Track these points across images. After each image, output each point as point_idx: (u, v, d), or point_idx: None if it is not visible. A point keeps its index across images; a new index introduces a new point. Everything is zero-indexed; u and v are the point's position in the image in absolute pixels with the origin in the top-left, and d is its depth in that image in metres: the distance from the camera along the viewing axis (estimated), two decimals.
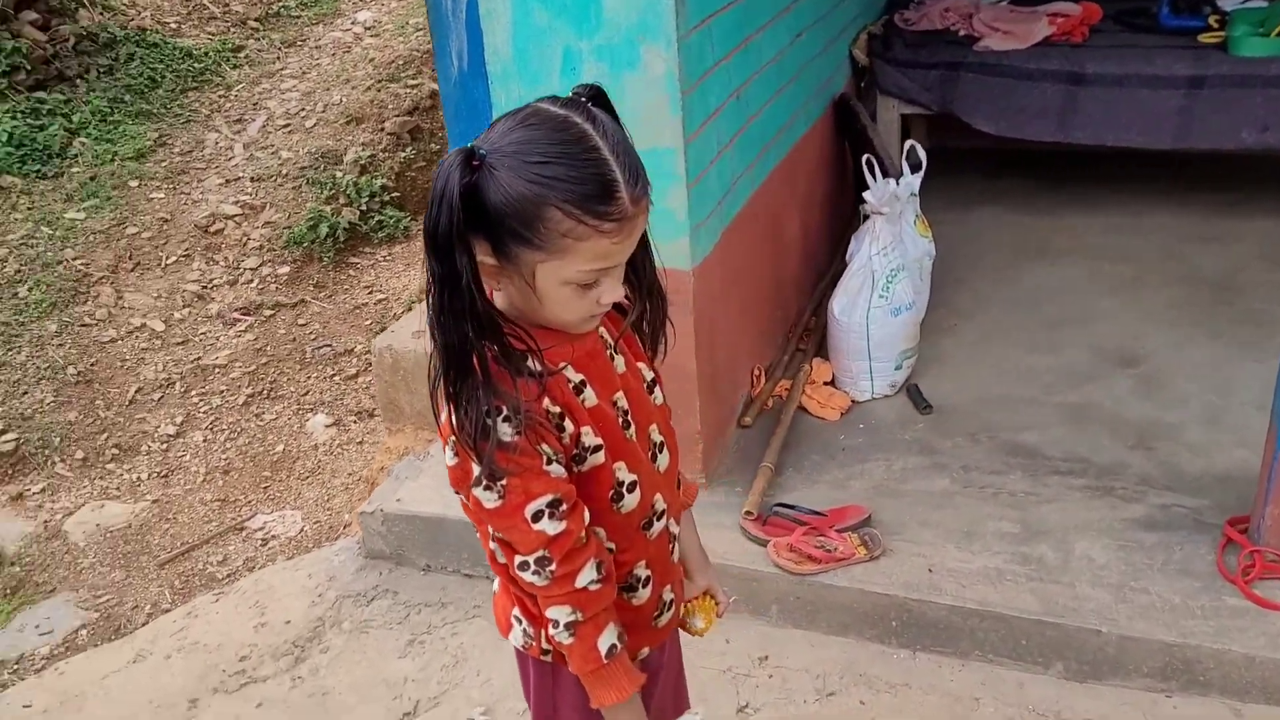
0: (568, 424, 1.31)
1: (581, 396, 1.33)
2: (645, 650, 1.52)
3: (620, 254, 1.24)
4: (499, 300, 1.32)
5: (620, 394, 1.40)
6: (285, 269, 4.62)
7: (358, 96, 5.70)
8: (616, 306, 1.44)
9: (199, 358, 4.17)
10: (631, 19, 2.31)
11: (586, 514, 1.33)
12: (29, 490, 3.62)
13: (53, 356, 4.14)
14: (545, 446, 1.28)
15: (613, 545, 1.40)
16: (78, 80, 5.74)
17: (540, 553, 1.29)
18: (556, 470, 1.29)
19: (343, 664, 2.58)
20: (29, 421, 3.87)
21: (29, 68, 5.56)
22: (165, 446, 3.76)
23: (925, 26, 4.19)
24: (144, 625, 2.89)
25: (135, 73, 5.89)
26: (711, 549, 1.88)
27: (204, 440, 3.77)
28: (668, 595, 1.52)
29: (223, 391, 3.99)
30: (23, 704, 2.60)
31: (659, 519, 1.46)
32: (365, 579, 2.84)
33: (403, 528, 2.80)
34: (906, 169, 3.38)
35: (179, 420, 3.87)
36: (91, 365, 4.13)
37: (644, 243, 1.39)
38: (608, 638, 1.34)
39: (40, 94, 5.55)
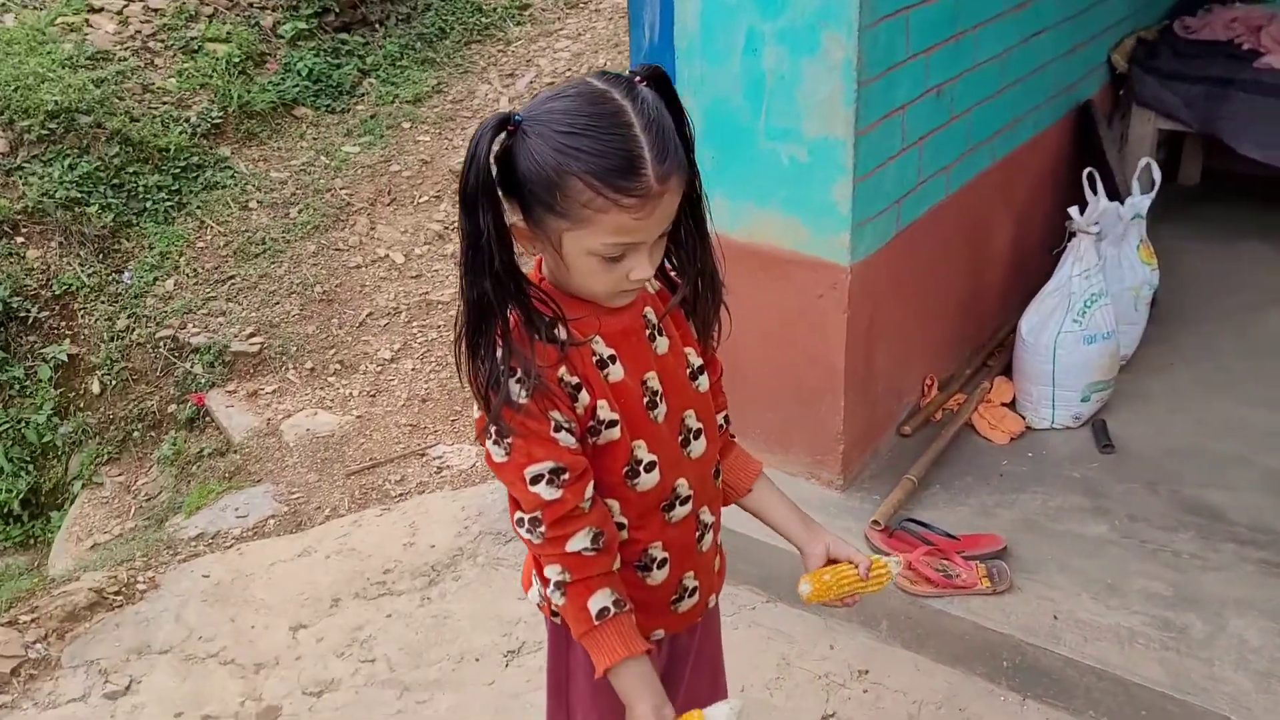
0: (584, 395, 1.33)
1: (605, 371, 1.35)
2: (660, 632, 1.53)
3: (644, 232, 1.24)
4: (544, 267, 1.37)
5: (653, 374, 1.41)
6: None
7: (622, 62, 5.88)
8: (670, 286, 1.45)
9: (426, 292, 4.48)
10: (815, 3, 2.27)
11: (590, 488, 1.35)
12: (263, 390, 4.05)
13: (306, 274, 4.58)
14: (556, 414, 1.31)
15: (625, 520, 1.42)
16: (378, 25, 6.25)
17: (535, 514, 1.33)
18: (565, 439, 1.32)
19: (468, 594, 2.74)
20: (275, 329, 4.31)
21: (338, 10, 6.11)
22: (379, 369, 4.09)
23: (1206, 36, 3.82)
24: (319, 525, 3.18)
25: (429, 23, 6.34)
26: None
27: (412, 368, 4.06)
28: (689, 582, 1.53)
29: (439, 326, 4.27)
30: (203, 573, 2.94)
31: (682, 504, 1.47)
32: (508, 520, 2.99)
33: None
34: (1136, 189, 3.12)
35: (396, 347, 4.19)
36: (336, 286, 4.54)
37: (698, 227, 1.39)
38: (599, 600, 1.36)
39: (344, 35, 6.09)
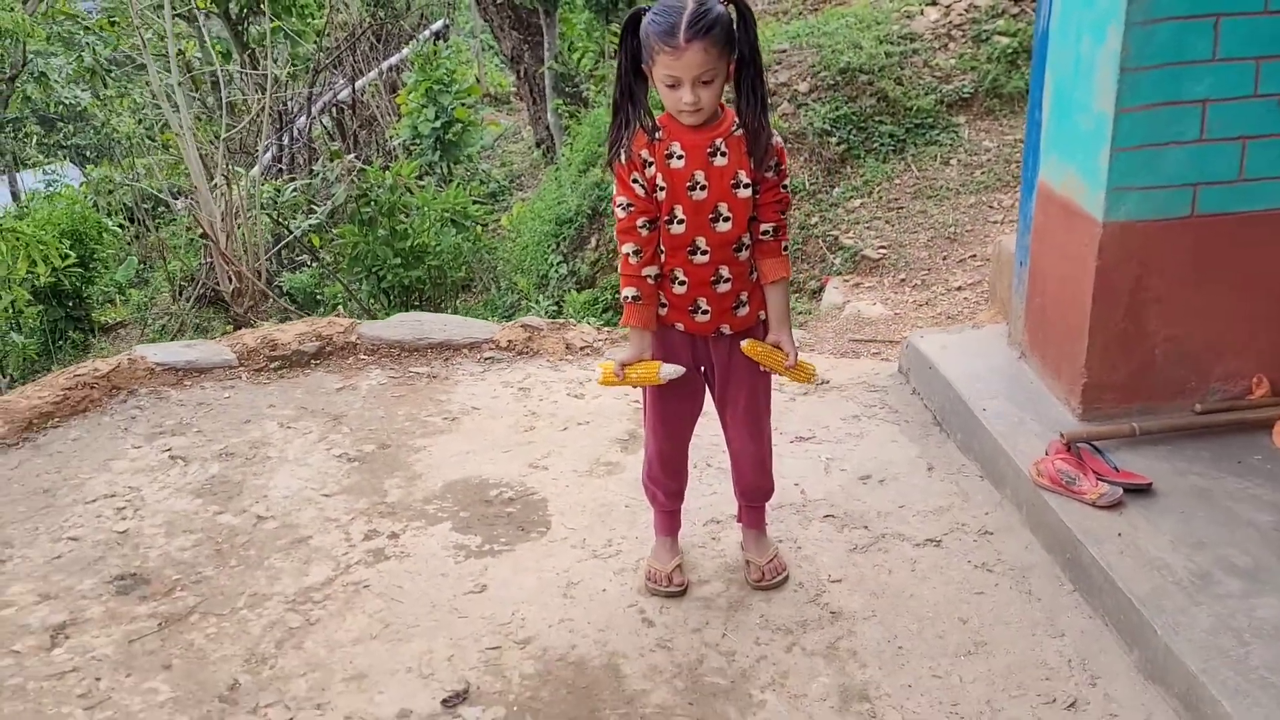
0: (651, 168, 2.54)
1: (670, 160, 2.53)
2: (680, 325, 2.65)
3: (680, 70, 2.36)
4: None
5: (701, 172, 2.52)
6: None
7: None
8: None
9: None
10: (1107, 2, 2.84)
11: (644, 219, 2.54)
12: (862, 284, 5.41)
13: (950, 218, 5.72)
14: (635, 174, 2.55)
15: (664, 248, 2.59)
16: None
17: (617, 215, 2.59)
18: (638, 188, 2.55)
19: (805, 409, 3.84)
20: (901, 249, 5.58)
21: None
22: (944, 292, 5.11)
23: None
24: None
25: None
26: (1016, 443, 2.99)
27: (965, 297, 5.00)
28: (702, 304, 2.60)
29: None
30: None
31: (702, 254, 2.55)
32: (893, 380, 3.94)
33: (913, 358, 3.81)
34: None
35: (967, 280, 5.14)
36: (965, 231, 5.61)
37: (756, 96, 2.47)
38: (629, 291, 2.57)
39: None
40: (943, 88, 6.57)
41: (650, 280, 2.59)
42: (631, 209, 2.56)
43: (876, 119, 6.39)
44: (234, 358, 4.24)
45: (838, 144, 6.29)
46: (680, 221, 2.56)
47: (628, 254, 2.58)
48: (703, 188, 2.53)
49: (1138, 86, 2.83)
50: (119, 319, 11.36)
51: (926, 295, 5.11)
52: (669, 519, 2.92)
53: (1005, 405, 3.29)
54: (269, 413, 3.91)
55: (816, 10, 8.74)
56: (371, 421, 3.85)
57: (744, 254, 2.60)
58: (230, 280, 5.97)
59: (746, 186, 2.54)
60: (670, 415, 2.79)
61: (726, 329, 2.66)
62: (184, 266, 10.47)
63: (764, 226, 2.59)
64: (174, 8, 8.14)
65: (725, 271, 2.59)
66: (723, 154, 2.53)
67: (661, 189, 2.54)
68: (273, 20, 11.76)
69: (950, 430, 3.50)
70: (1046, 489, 2.88)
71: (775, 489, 2.92)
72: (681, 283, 2.61)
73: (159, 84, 6.39)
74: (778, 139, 2.57)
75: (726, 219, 2.55)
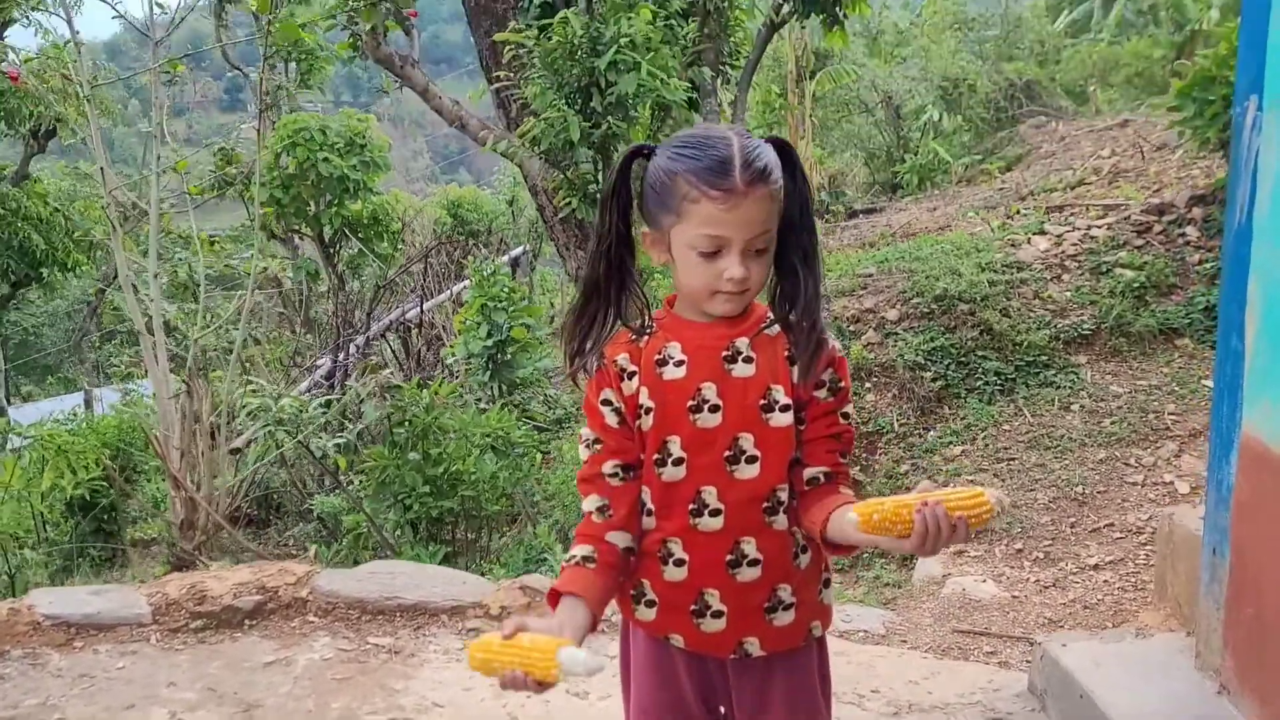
0: (634, 380, 1.62)
1: (662, 369, 1.61)
2: (679, 638, 1.64)
3: (730, 227, 1.50)
4: (675, 303, 1.66)
5: (711, 385, 1.59)
6: None
7: None
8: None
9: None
10: None
11: (613, 464, 1.62)
12: (968, 551, 4.28)
13: (1075, 474, 4.65)
14: (607, 390, 1.62)
15: (652, 507, 1.62)
16: None
17: (582, 457, 1.65)
18: (610, 416, 1.62)
19: None
20: (1015, 510, 4.48)
21: None
22: (1075, 570, 3.99)
23: None
24: (895, 647, 3.36)
25: None
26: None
27: (1105, 580, 3.87)
28: (713, 601, 1.61)
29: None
30: None
31: (712, 515, 1.59)
32: (1020, 703, 2.81)
33: (1052, 675, 2.68)
34: None
35: (1105, 558, 4.02)
36: (1097, 492, 4.52)
37: (807, 278, 1.56)
38: (578, 550, 1.61)
39: None
40: (1058, 322, 5.63)
41: (619, 549, 1.61)
42: (599, 447, 1.63)
43: (979, 353, 5.43)
44: (147, 611, 3.29)
45: (933, 379, 5.32)
46: (678, 462, 1.60)
47: (589, 510, 1.63)
48: (714, 409, 1.59)
49: None
50: (152, 535, 10.67)
51: (1052, 573, 3.98)
52: None
53: None
54: (164, 695, 2.91)
55: (908, 239, 8.01)
56: (294, 718, 2.81)
57: (781, 519, 1.62)
58: (179, 508, 5.11)
59: (785, 409, 1.59)
60: None
61: (755, 645, 1.65)
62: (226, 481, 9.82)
63: (811, 472, 1.61)
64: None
65: (751, 547, 1.61)
66: (747, 360, 1.60)
67: (648, 411, 1.60)
68: (361, 245, 11.67)
69: None
70: None
71: None
72: (680, 563, 1.63)
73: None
74: (835, 344, 1.63)
75: (753, 459, 1.59)
